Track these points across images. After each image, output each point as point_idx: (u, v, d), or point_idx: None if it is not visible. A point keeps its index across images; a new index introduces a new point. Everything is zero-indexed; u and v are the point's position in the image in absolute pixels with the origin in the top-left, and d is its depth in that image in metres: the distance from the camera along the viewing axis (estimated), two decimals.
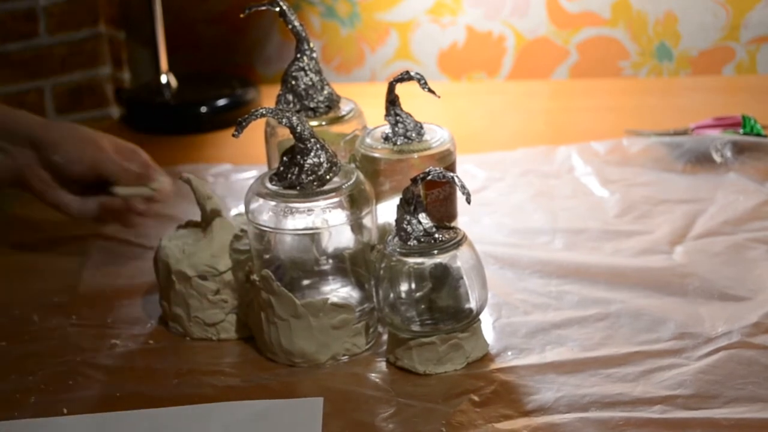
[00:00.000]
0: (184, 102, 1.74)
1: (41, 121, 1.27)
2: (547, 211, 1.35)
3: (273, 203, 1.06)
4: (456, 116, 1.65)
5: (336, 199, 1.06)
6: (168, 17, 1.75)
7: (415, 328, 1.05)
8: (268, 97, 1.75)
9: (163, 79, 1.75)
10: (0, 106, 1.28)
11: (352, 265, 1.11)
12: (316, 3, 1.85)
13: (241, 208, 1.12)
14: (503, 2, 1.81)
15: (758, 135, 1.46)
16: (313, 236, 1.09)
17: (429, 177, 1.03)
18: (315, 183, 1.07)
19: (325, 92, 1.21)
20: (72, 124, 1.30)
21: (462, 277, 1.05)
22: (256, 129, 1.18)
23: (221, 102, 1.73)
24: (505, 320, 1.13)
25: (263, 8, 1.19)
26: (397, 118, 1.15)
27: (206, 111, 1.72)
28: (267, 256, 1.09)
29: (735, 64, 1.79)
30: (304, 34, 1.21)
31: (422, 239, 1.04)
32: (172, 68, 1.76)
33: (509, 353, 1.08)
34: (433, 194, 1.13)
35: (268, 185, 1.08)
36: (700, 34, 1.79)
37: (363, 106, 1.25)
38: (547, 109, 1.71)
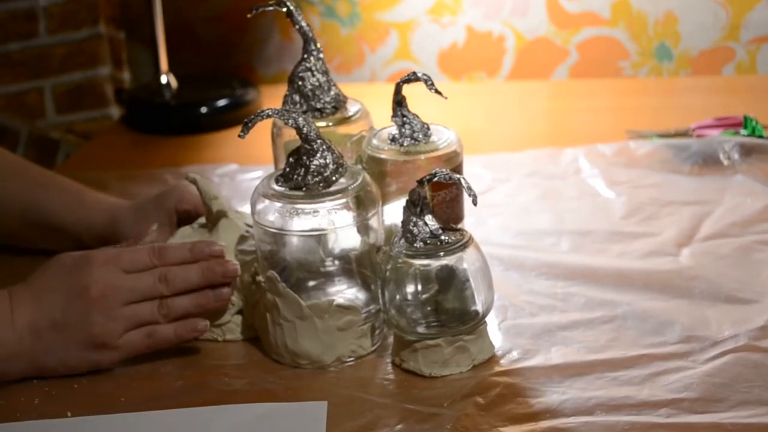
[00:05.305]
0: (184, 102, 1.74)
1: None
2: (553, 213, 1.35)
3: (279, 204, 1.06)
4: (456, 116, 1.64)
5: (342, 201, 1.06)
6: (168, 17, 1.74)
7: (421, 330, 1.05)
8: (268, 97, 1.74)
9: (163, 79, 1.75)
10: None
11: (358, 267, 1.10)
12: (316, 3, 1.84)
13: (247, 209, 1.12)
14: (503, 2, 1.81)
15: (759, 136, 1.46)
16: (319, 237, 1.09)
17: (435, 178, 1.03)
18: (321, 184, 1.06)
19: (332, 93, 1.21)
20: None
21: (468, 279, 1.05)
22: (262, 130, 1.17)
23: (221, 102, 1.72)
24: (510, 322, 1.13)
25: (270, 8, 1.19)
26: (404, 119, 1.15)
27: (206, 111, 1.71)
28: (273, 258, 1.09)
29: (735, 64, 1.79)
30: (311, 35, 1.21)
31: (428, 241, 1.04)
32: (172, 68, 1.76)
33: (515, 355, 1.07)
34: (440, 196, 1.13)
35: (274, 186, 1.07)
36: (700, 34, 1.79)
37: None
38: (547, 110, 1.71)
